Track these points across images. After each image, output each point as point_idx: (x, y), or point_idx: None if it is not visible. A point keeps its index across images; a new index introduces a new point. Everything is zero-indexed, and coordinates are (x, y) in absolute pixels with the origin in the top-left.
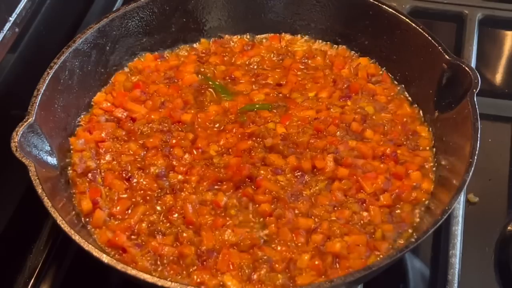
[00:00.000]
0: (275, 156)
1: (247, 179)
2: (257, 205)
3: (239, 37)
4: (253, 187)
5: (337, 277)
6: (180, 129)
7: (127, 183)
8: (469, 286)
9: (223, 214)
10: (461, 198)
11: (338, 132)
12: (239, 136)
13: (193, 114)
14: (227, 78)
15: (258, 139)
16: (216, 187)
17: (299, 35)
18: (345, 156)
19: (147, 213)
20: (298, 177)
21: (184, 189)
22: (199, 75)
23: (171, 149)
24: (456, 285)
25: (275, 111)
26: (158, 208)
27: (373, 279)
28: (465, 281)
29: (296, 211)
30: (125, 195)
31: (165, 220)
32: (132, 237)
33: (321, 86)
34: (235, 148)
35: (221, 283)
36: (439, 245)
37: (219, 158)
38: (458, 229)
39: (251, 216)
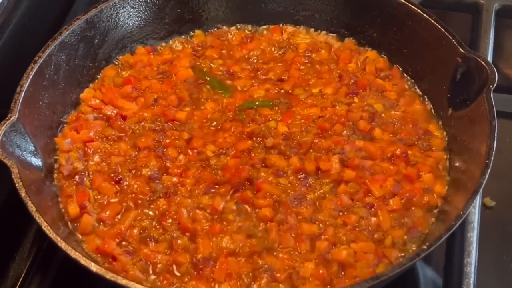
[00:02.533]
0: (276, 157)
1: (246, 182)
2: (257, 210)
3: (237, 29)
4: (253, 190)
5: (343, 287)
6: (174, 128)
7: (117, 186)
8: None
9: (220, 219)
10: (477, 202)
11: (344, 131)
12: (238, 135)
13: (188, 112)
14: (225, 73)
15: (258, 138)
16: (213, 190)
17: (302, 27)
18: (352, 157)
19: (139, 218)
20: (301, 179)
21: (179, 193)
22: (195, 70)
23: (165, 150)
24: None
25: (276, 108)
26: (151, 213)
27: None
28: None
29: (299, 216)
30: (115, 199)
31: (158, 226)
32: (123, 244)
33: (326, 81)
34: (234, 149)
35: None
36: (453, 252)
37: (216, 159)
38: (473, 236)
39: (251, 221)
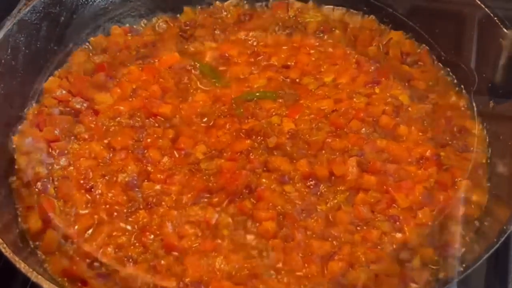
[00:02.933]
0: (280, 159)
1: (244, 190)
2: (257, 224)
3: (233, 4)
4: (252, 200)
5: None
6: (157, 124)
7: (88, 195)
8: None
9: (213, 235)
10: None
11: (363, 129)
12: (234, 133)
13: (174, 105)
14: (219, 57)
15: (259, 137)
16: (204, 200)
17: (311, 2)
18: (372, 159)
19: (114, 234)
20: (311, 187)
21: (163, 203)
22: (182, 54)
23: (146, 151)
24: None
25: (280, 101)
26: (129, 227)
27: None
28: None
29: (308, 232)
30: (85, 211)
31: (137, 243)
32: (95, 265)
33: (341, 68)
34: (229, 150)
35: None
36: (495, 275)
37: (208, 162)
38: None
39: (250, 238)
